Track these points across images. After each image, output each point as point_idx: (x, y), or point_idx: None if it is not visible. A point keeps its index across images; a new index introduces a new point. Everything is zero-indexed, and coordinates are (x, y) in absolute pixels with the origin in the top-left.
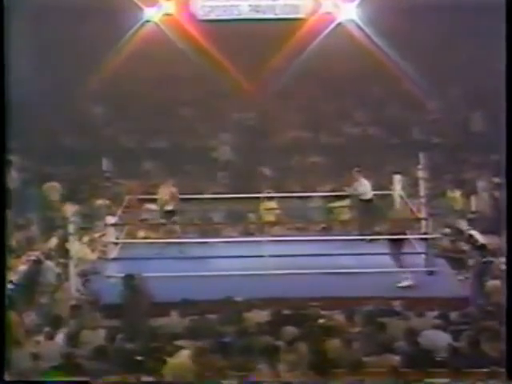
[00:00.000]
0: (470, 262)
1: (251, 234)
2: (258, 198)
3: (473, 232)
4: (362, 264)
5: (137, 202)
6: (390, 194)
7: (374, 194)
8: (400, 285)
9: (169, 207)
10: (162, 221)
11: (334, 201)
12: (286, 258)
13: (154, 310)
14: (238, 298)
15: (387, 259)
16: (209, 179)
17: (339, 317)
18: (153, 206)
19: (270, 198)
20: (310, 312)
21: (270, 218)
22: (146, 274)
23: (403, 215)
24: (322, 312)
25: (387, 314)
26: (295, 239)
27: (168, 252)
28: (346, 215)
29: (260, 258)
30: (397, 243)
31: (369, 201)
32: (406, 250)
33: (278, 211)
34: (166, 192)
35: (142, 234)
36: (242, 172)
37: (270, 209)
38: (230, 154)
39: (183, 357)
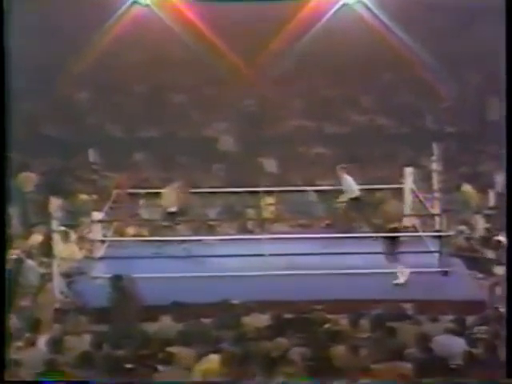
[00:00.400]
0: (499, 269)
1: (250, 232)
2: (257, 192)
3: (501, 238)
4: (369, 264)
5: (126, 197)
6: (400, 188)
7: (384, 189)
8: (396, 281)
9: (172, 209)
10: (165, 223)
11: (340, 196)
12: (287, 257)
13: (144, 314)
14: (236, 301)
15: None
16: (204, 172)
17: (345, 321)
18: (145, 202)
19: (271, 193)
20: (314, 316)
21: (271, 214)
22: (135, 275)
23: (396, 211)
24: (327, 316)
25: (397, 317)
26: (298, 237)
27: (166, 251)
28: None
29: (259, 258)
30: (393, 241)
31: (355, 199)
32: (401, 248)
33: (279, 207)
34: (172, 197)
35: (131, 231)
36: (240, 164)
37: (270, 204)
38: (227, 145)
39: (212, 362)
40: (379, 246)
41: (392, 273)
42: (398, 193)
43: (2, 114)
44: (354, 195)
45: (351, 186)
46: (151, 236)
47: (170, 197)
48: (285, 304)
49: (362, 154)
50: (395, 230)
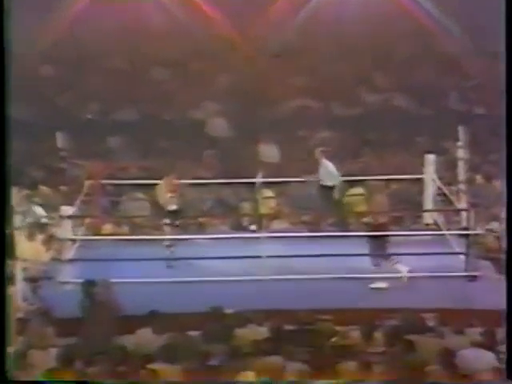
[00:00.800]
0: None
1: (245, 230)
2: (253, 183)
3: None
4: (384, 267)
5: (100, 189)
6: (419, 179)
7: (402, 179)
8: (373, 286)
9: (172, 206)
10: (166, 221)
11: (349, 188)
12: (288, 259)
13: (122, 325)
14: (228, 310)
15: (416, 261)
16: (191, 160)
17: (356, 333)
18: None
19: (269, 184)
20: (319, 328)
21: (269, 209)
22: (112, 280)
23: (379, 205)
24: (335, 327)
25: (417, 330)
26: (300, 235)
27: (149, 252)
28: (362, 206)
29: (256, 260)
30: (380, 240)
31: (331, 188)
32: (388, 248)
33: (279, 200)
34: (168, 189)
35: (108, 228)
36: (233, 151)
37: (268, 197)
38: (219, 129)
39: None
40: (398, 248)
41: (408, 278)
42: (418, 184)
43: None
44: (330, 183)
45: (331, 173)
46: (132, 235)
47: (166, 191)
48: (285, 313)
49: (375, 139)
50: (382, 226)
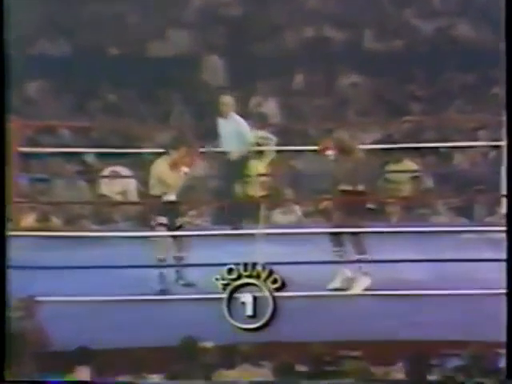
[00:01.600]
0: None
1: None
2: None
3: None
4: (439, 278)
5: (17, 159)
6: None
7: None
8: (330, 286)
9: (170, 196)
10: (161, 220)
11: (390, 162)
12: (293, 266)
13: (51, 364)
14: (208, 344)
15: (485, 270)
16: (158, 119)
17: (401, 375)
18: None
19: (264, 155)
20: (345, 368)
21: (264, 190)
22: (38, 298)
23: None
24: (370, 368)
25: (490, 370)
26: (311, 232)
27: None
28: (405, 186)
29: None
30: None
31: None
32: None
33: (277, 178)
34: (182, 162)
35: (29, 220)
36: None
37: (263, 175)
38: (193, 70)
39: None
40: (457, 250)
41: (484, 295)
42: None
43: None
44: (247, 148)
45: (241, 133)
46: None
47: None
48: (295, 347)
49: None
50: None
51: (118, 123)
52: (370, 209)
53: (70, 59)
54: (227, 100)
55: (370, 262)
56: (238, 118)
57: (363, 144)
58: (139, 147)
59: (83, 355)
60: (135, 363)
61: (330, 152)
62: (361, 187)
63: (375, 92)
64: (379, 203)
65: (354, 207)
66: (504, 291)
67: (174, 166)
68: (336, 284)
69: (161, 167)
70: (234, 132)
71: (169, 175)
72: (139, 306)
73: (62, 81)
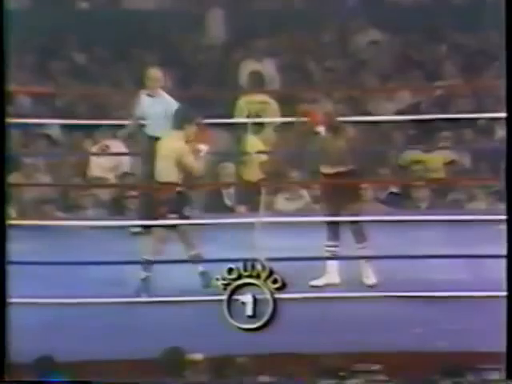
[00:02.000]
0: None
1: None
2: (237, 125)
3: None
4: (478, 277)
5: None
6: None
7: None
8: (313, 283)
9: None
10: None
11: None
12: (300, 263)
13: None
14: (198, 355)
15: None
16: (132, 84)
17: None
18: None
19: (261, 127)
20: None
21: (264, 168)
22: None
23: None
24: (380, 379)
25: None
26: (318, 220)
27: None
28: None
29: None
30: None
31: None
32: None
33: (278, 156)
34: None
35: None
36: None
37: (261, 152)
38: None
39: None
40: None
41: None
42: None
43: None
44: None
45: (171, 114)
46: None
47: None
48: (306, 359)
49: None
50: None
51: (87, 89)
52: (393, 193)
53: (29, 11)
54: (156, 74)
55: (381, 257)
56: (167, 96)
57: (386, 115)
58: (114, 118)
59: (45, 367)
60: (109, 377)
61: (320, 128)
62: (351, 167)
63: (400, 52)
64: (405, 187)
65: (348, 191)
66: None
67: (190, 144)
68: (319, 283)
69: (180, 146)
70: (163, 113)
71: (190, 157)
72: (115, 309)
73: (20, 38)
